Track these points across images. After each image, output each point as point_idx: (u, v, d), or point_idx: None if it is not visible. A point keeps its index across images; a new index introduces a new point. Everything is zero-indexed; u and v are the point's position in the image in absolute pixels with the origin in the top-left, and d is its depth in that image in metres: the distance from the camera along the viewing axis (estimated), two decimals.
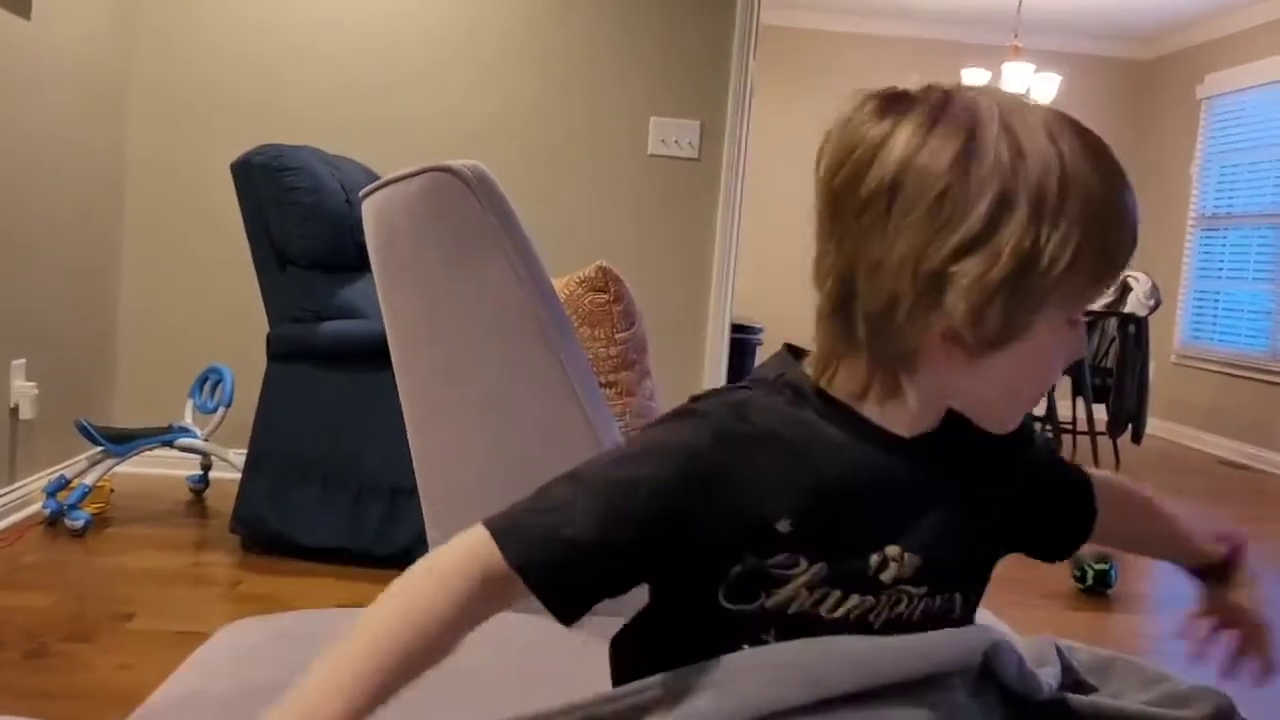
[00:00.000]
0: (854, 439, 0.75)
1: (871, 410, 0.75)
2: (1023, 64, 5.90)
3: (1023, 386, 0.74)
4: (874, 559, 0.73)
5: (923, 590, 0.75)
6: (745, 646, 0.72)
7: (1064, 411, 5.37)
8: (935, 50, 6.91)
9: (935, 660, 0.71)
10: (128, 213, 3.60)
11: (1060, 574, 3.08)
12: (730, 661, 0.71)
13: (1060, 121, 0.68)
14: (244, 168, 2.84)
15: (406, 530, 2.59)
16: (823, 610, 0.72)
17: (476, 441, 1.36)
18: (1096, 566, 2.99)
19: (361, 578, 2.58)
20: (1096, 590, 2.99)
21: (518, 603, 0.71)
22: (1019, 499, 0.82)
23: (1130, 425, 5.33)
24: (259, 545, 2.79)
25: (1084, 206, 0.65)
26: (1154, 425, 5.97)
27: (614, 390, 1.53)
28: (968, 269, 0.65)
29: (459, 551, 0.70)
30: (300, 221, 2.79)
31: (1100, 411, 5.36)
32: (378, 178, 1.45)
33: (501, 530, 0.69)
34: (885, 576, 0.73)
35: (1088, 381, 5.25)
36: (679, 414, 0.73)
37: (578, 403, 1.30)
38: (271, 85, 3.60)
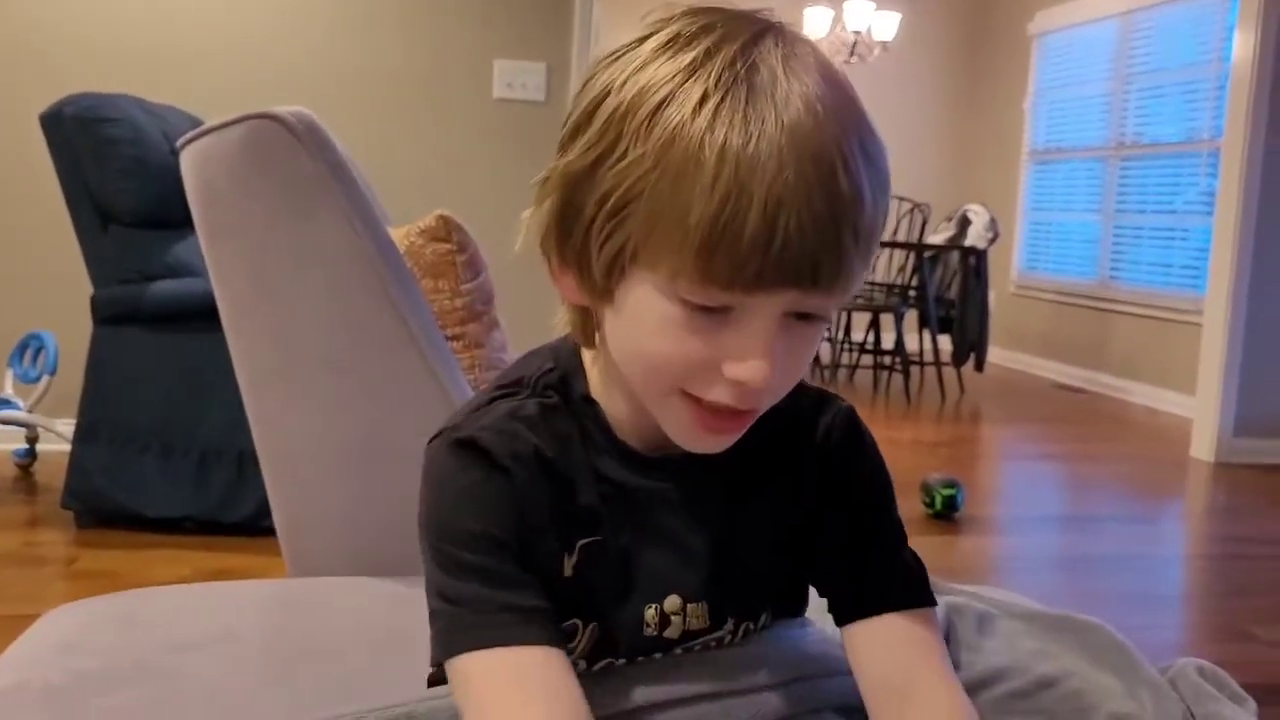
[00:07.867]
0: (606, 455, 0.64)
1: (618, 409, 0.65)
2: (864, 3, 6.00)
3: (627, 357, 0.60)
4: (649, 614, 0.65)
5: (728, 627, 0.67)
6: None
7: (911, 343, 5.54)
8: None
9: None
10: None
11: (909, 500, 3.19)
12: None
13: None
14: (55, 119, 2.63)
15: (254, 495, 2.49)
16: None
17: (317, 403, 1.31)
18: (944, 491, 3.09)
19: (208, 546, 2.47)
20: (944, 515, 3.10)
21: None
22: (801, 507, 0.69)
23: (973, 354, 5.54)
24: (95, 520, 2.64)
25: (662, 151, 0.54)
26: (994, 353, 6.23)
27: (461, 343, 1.48)
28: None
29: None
30: (122, 176, 2.62)
31: (945, 343, 5.56)
32: None
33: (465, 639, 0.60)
34: (670, 633, 0.65)
35: (933, 314, 5.44)
36: (451, 448, 0.62)
37: (423, 358, 1.26)
38: (88, 29, 3.35)
